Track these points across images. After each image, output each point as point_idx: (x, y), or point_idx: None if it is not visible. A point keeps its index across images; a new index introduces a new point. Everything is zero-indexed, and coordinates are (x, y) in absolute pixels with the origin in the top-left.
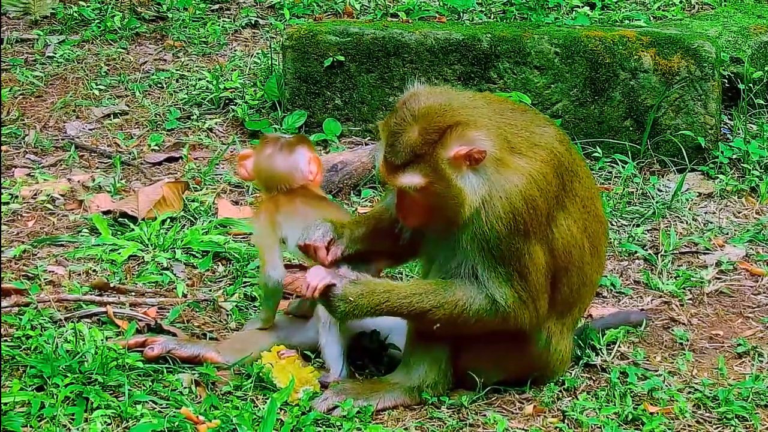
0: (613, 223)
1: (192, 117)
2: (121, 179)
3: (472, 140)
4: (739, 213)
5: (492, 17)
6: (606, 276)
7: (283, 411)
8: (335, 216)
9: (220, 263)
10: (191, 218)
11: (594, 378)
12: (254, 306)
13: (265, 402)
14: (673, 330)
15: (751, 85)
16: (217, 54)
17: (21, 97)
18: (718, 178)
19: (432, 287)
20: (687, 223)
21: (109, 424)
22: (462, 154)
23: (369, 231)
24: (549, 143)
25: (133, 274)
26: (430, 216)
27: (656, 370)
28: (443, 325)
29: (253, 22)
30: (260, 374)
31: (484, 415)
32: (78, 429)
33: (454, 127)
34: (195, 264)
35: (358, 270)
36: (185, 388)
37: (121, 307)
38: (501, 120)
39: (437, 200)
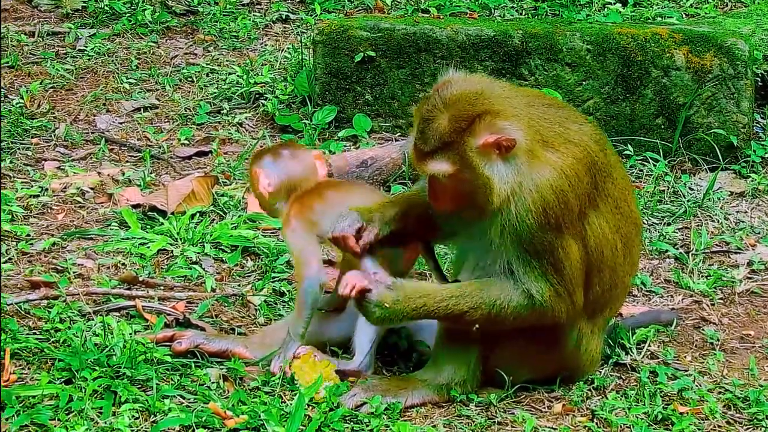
0: (644, 221)
1: (222, 111)
2: (151, 173)
3: (501, 129)
4: None
5: (523, 13)
6: (636, 274)
7: (310, 407)
8: (366, 195)
9: (249, 258)
10: (221, 213)
11: (624, 377)
12: (283, 302)
13: (293, 398)
14: (703, 329)
15: None
16: (247, 48)
17: (51, 90)
18: (750, 177)
19: (468, 289)
20: (718, 222)
21: (136, 418)
22: (490, 142)
23: (402, 211)
24: (583, 141)
25: (162, 268)
26: (460, 203)
27: (686, 370)
28: (481, 325)
29: (283, 17)
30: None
31: (513, 414)
32: (106, 423)
33: (484, 115)
34: (224, 258)
35: (392, 255)
36: (213, 382)
37: (149, 301)
38: (534, 112)
39: (466, 188)
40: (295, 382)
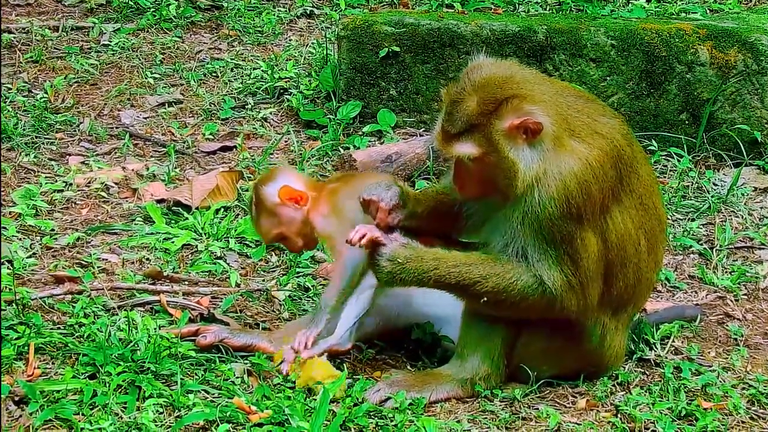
0: (668, 217)
1: (246, 106)
2: (175, 168)
3: (529, 113)
4: None
5: (548, 9)
6: (660, 271)
7: (335, 402)
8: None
9: (273, 253)
10: (245, 208)
11: (648, 373)
12: (308, 297)
13: (317, 393)
14: (727, 325)
15: None
16: (272, 43)
17: (76, 84)
18: None
19: (481, 258)
20: (742, 217)
21: (161, 413)
22: (516, 124)
23: (428, 211)
24: (610, 134)
25: (186, 263)
26: (485, 188)
27: (710, 366)
28: (489, 300)
29: (308, 12)
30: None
31: (537, 409)
32: (130, 417)
33: (511, 99)
34: (248, 254)
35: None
36: (237, 377)
37: (174, 296)
38: (563, 101)
39: (492, 171)
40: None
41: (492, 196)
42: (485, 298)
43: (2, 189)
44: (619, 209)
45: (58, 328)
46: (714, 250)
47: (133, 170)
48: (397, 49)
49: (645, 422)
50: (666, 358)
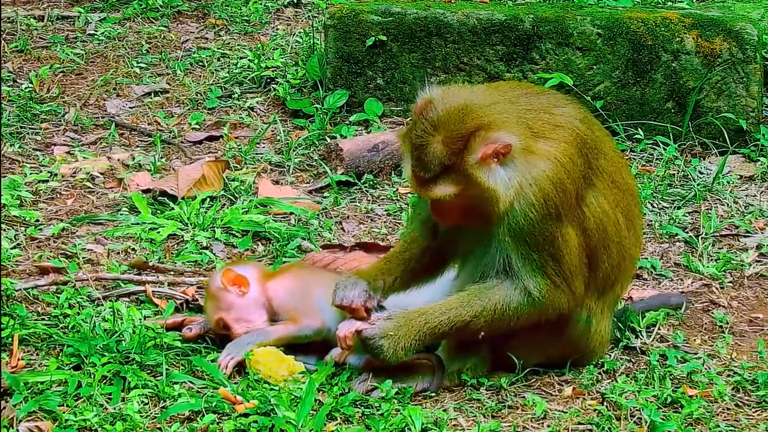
0: (654, 205)
1: (233, 96)
2: (161, 158)
3: (496, 139)
4: None
5: None
6: (646, 258)
7: (321, 392)
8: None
9: (259, 243)
10: (231, 197)
11: (633, 360)
12: None
13: (303, 381)
14: (713, 313)
15: None
16: (258, 33)
17: (61, 74)
18: (759, 160)
19: (466, 297)
20: (728, 205)
21: (146, 404)
22: (489, 153)
23: (401, 277)
24: (570, 123)
25: (172, 254)
26: (466, 216)
27: (696, 353)
28: (487, 332)
29: (295, 1)
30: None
31: (523, 397)
32: (115, 408)
33: (477, 131)
34: (235, 243)
35: None
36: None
37: (159, 286)
38: (519, 107)
39: (472, 202)
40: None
41: (474, 220)
42: (483, 333)
43: None
44: (594, 193)
45: (43, 319)
46: (699, 238)
47: (118, 160)
48: (384, 38)
49: (631, 409)
50: (652, 345)
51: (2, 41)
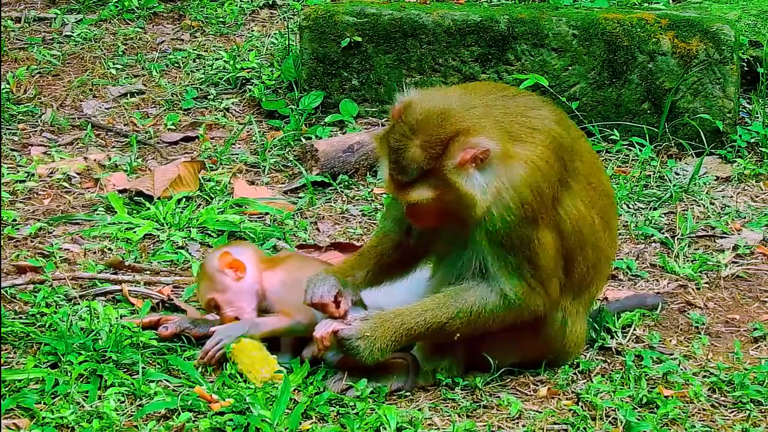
0: (630, 206)
1: (209, 97)
2: (137, 158)
3: (475, 145)
4: (756, 197)
5: None
6: (622, 259)
7: (296, 391)
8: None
9: None
10: (207, 197)
11: (609, 361)
12: None
13: (279, 381)
14: (689, 314)
15: None
16: (234, 34)
17: (38, 75)
18: (735, 161)
19: (442, 299)
20: (704, 206)
21: (122, 402)
22: (468, 158)
23: (373, 270)
24: (546, 126)
25: (148, 253)
26: (441, 219)
27: (671, 354)
28: (463, 333)
29: (270, 2)
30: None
31: (498, 397)
32: (92, 406)
33: (456, 136)
34: (210, 243)
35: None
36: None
37: (135, 286)
38: (496, 111)
39: (448, 206)
40: (237, 365)
41: (450, 222)
42: (458, 335)
43: None
44: (570, 195)
45: (20, 318)
46: (676, 239)
47: (95, 160)
48: (359, 39)
49: (606, 410)
50: (627, 346)
51: None
